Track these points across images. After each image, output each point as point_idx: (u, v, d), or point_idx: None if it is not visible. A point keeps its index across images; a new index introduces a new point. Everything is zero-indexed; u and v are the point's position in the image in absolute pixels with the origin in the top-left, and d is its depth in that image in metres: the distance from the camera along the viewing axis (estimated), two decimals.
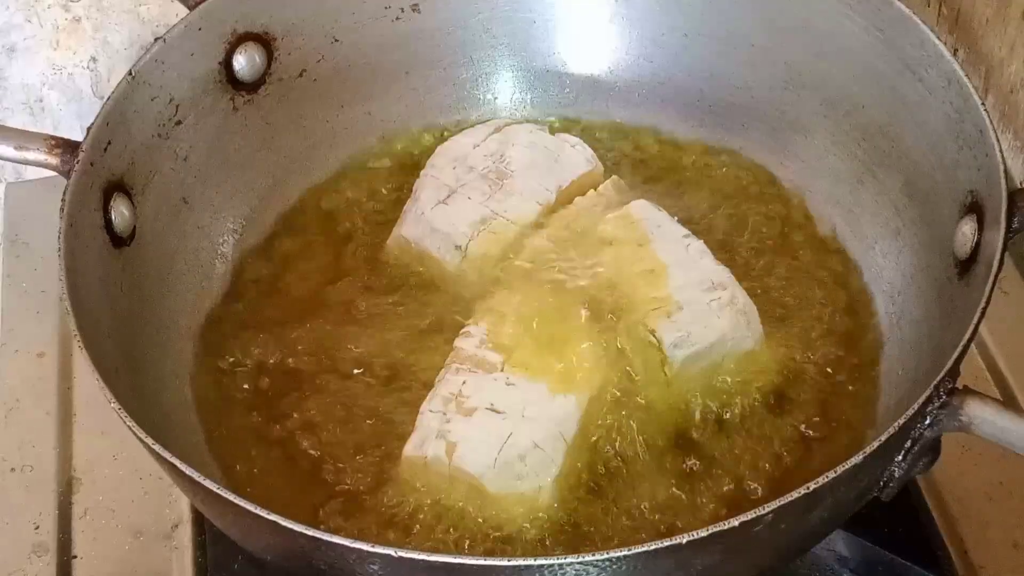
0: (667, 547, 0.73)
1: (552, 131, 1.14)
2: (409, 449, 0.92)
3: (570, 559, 0.73)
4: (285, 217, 1.13)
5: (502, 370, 0.93)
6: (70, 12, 1.26)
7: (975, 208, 0.91)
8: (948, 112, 0.96)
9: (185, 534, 1.03)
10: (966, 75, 0.95)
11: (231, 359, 1.03)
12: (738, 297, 0.98)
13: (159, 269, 1.02)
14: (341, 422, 0.97)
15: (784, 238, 1.10)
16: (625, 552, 0.73)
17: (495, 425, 0.90)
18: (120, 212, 0.97)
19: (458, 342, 0.96)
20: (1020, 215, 0.86)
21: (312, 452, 0.97)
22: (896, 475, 0.83)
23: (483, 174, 1.08)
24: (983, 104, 0.93)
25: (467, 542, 0.89)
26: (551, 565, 0.73)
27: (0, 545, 1.03)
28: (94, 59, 1.30)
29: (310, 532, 0.74)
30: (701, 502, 0.93)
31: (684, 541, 0.73)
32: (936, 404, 0.79)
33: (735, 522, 0.73)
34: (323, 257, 1.10)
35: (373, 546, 0.73)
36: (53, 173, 0.95)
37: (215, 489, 0.77)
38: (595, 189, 1.08)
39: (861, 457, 0.77)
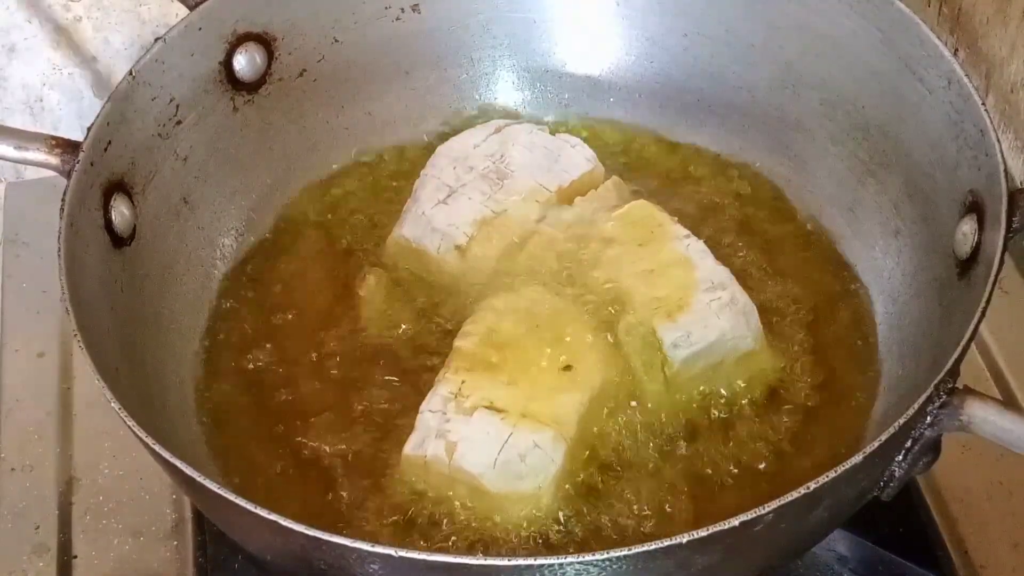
0: (667, 547, 0.73)
1: (552, 131, 1.14)
2: (409, 449, 0.92)
3: (570, 559, 0.73)
4: (285, 217, 1.13)
5: (501, 370, 0.93)
6: (70, 12, 1.27)
7: (975, 208, 0.91)
8: (948, 112, 0.96)
9: (185, 534, 1.03)
10: (966, 75, 0.95)
11: (231, 359, 1.03)
12: (738, 297, 0.98)
13: (159, 269, 1.02)
14: (341, 421, 0.98)
15: (783, 238, 1.10)
16: (625, 552, 0.73)
17: (495, 425, 0.90)
18: (120, 212, 0.97)
19: (458, 342, 0.96)
20: (1020, 215, 0.86)
21: (312, 451, 0.97)
22: (896, 475, 0.83)
23: (483, 174, 1.08)
24: (983, 104, 0.93)
25: (467, 542, 0.90)
26: (551, 565, 0.73)
27: (0, 545, 1.03)
28: (94, 59, 1.30)
29: (310, 532, 0.74)
30: (701, 501, 0.93)
31: (684, 541, 0.73)
32: (936, 404, 0.79)
33: (735, 522, 0.73)
34: (323, 257, 1.10)
35: (373, 546, 0.73)
36: (53, 173, 0.95)
37: (215, 489, 0.77)
38: (595, 189, 1.07)
39: (861, 457, 0.77)
